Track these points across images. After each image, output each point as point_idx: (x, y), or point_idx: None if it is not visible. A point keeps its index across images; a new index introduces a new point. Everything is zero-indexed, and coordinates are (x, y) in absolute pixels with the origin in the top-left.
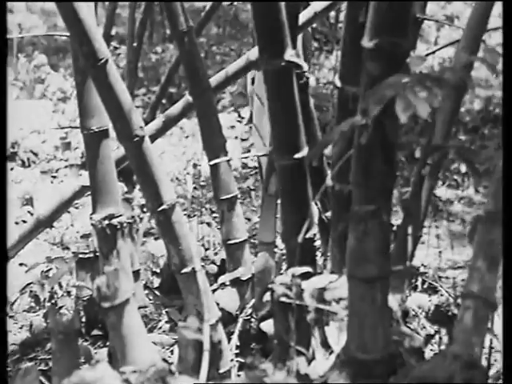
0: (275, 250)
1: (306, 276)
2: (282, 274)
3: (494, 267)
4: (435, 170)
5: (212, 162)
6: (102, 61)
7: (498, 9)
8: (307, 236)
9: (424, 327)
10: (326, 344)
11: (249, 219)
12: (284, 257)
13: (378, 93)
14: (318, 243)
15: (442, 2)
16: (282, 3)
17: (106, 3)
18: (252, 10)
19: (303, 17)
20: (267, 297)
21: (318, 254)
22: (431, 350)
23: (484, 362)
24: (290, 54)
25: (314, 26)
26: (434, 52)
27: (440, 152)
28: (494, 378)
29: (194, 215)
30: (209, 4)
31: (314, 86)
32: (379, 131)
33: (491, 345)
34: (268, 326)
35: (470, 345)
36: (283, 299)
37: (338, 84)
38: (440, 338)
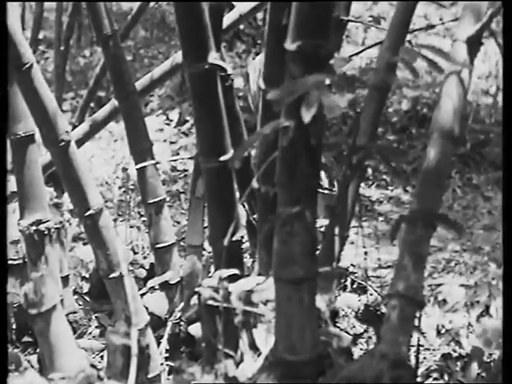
0: (203, 252)
1: (233, 278)
2: (210, 277)
3: (420, 266)
4: (359, 171)
5: (138, 166)
6: (27, 65)
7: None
8: (234, 238)
9: (354, 327)
10: (254, 346)
11: (178, 222)
12: (212, 260)
13: (288, 89)
14: (246, 245)
15: (369, 3)
16: (205, 5)
17: (33, 7)
18: (175, 12)
19: (228, 19)
20: (195, 300)
21: (247, 256)
22: (361, 349)
23: (413, 361)
24: (213, 57)
25: (242, 27)
26: (358, 53)
27: (363, 152)
28: (423, 376)
29: (123, 219)
30: (136, 7)
31: (242, 87)
32: (302, 132)
33: (419, 343)
34: (196, 330)
35: (397, 344)
36: (210, 302)
37: (262, 86)
38: (370, 338)
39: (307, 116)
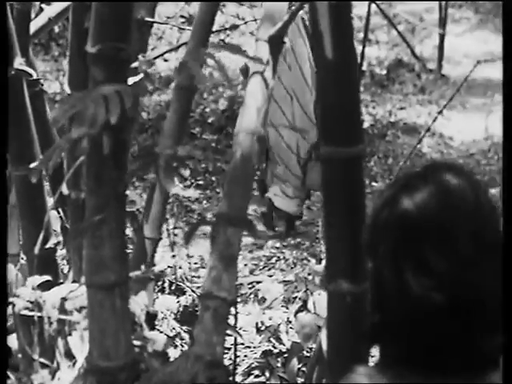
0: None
1: (48, 286)
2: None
3: (231, 267)
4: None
5: None
6: None
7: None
8: (47, 246)
9: (173, 328)
10: (70, 354)
11: None
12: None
13: (64, 109)
14: (62, 252)
15: (181, 3)
16: (8, 11)
17: None
18: None
19: (36, 24)
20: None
21: (64, 262)
22: (182, 350)
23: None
24: (19, 63)
25: (57, 30)
26: (162, 54)
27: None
28: (245, 374)
29: None
30: None
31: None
32: (110, 138)
33: (236, 341)
34: (13, 341)
35: (211, 344)
36: (24, 312)
37: (68, 90)
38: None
39: (76, 132)
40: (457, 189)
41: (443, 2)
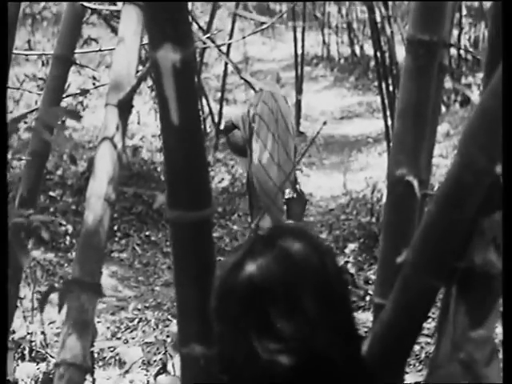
0: None
1: None
2: None
3: (85, 333)
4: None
5: None
6: None
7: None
8: None
9: None
10: None
11: None
12: None
13: None
14: None
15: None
16: None
17: None
18: None
19: None
20: None
21: None
22: None
23: None
24: None
25: None
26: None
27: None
28: None
29: None
30: None
31: None
32: None
33: None
34: None
35: None
36: None
37: None
38: None
39: None
40: (300, 252)
41: (299, 61)
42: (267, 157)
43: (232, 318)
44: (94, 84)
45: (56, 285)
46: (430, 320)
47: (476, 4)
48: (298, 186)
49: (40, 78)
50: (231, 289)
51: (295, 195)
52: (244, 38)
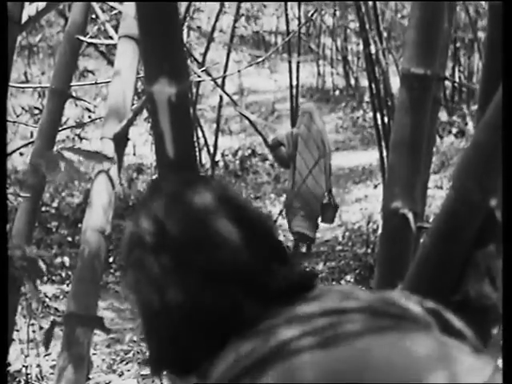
0: None
1: None
2: None
3: (80, 366)
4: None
5: None
6: None
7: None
8: None
9: None
10: None
11: None
12: None
13: None
14: None
15: (35, 95)
16: None
17: None
18: None
19: None
20: None
21: None
22: None
23: None
24: None
25: None
26: (17, 149)
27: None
28: None
29: None
30: None
31: None
32: None
33: None
34: None
35: None
36: None
37: None
38: None
39: None
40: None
41: (294, 92)
42: (306, 170)
43: (145, 264)
44: (89, 117)
45: (54, 318)
46: None
47: (470, 36)
48: (331, 195)
49: (36, 108)
50: (141, 236)
51: (330, 201)
52: (239, 71)
